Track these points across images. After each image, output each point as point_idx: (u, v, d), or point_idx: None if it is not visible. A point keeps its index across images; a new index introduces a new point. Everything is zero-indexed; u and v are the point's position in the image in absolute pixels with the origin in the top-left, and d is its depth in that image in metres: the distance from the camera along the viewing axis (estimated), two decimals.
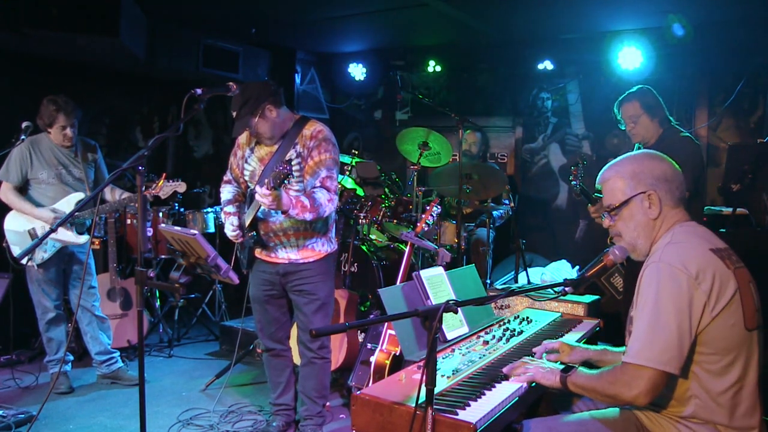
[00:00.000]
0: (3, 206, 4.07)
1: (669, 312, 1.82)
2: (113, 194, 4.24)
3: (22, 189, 4.05)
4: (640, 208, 2.03)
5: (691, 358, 1.86)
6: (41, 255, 3.99)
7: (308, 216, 3.05)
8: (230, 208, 3.39)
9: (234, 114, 3.12)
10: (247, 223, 3.23)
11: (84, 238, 4.08)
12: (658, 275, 1.87)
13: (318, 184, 3.15)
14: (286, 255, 3.26)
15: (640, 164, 2.06)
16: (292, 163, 3.06)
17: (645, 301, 1.88)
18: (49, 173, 4.04)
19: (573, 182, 3.90)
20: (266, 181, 2.83)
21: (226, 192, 3.46)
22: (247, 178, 3.33)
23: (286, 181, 2.86)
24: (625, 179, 2.05)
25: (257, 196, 2.88)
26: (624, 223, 2.07)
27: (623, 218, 2.07)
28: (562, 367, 2.12)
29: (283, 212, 2.98)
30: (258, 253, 3.35)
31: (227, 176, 3.50)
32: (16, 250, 4.00)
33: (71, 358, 4.39)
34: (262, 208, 3.10)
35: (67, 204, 4.04)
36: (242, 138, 3.36)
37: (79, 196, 4.08)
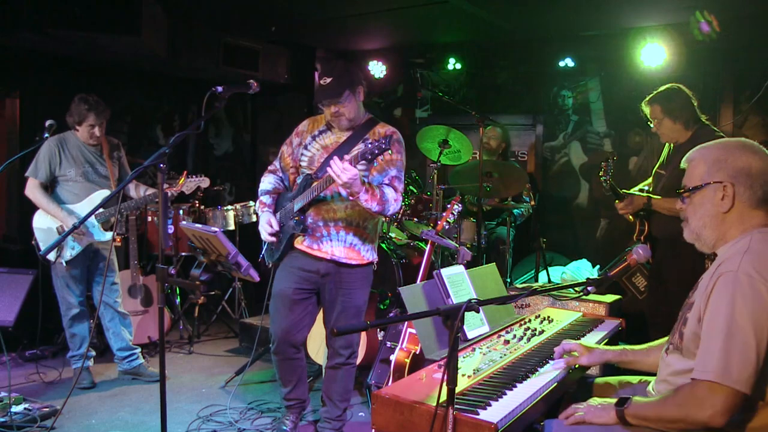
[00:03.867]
0: (32, 204, 4.11)
1: (747, 328, 1.69)
2: (138, 191, 4.29)
3: (49, 186, 4.10)
4: (711, 198, 1.91)
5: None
6: (69, 252, 4.04)
7: (374, 206, 2.91)
8: (266, 198, 3.26)
9: (327, 79, 2.98)
10: (298, 207, 3.07)
11: (109, 235, 4.12)
12: (735, 286, 1.73)
13: (386, 182, 3.05)
14: (330, 249, 3.10)
15: (725, 152, 1.92)
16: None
17: (717, 313, 1.74)
18: (76, 171, 4.10)
19: (603, 177, 3.84)
20: (349, 157, 2.72)
21: (266, 182, 3.32)
22: (304, 164, 3.17)
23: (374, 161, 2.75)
24: (706, 164, 1.93)
25: (333, 167, 2.71)
26: (693, 209, 1.96)
27: (693, 204, 1.96)
28: (614, 401, 1.99)
29: (352, 195, 2.85)
30: (298, 242, 3.16)
31: (274, 165, 3.36)
32: (44, 248, 4.05)
33: (93, 353, 4.44)
34: (320, 194, 2.98)
35: (91, 202, 4.07)
36: (304, 125, 3.27)
37: (105, 193, 4.12)
